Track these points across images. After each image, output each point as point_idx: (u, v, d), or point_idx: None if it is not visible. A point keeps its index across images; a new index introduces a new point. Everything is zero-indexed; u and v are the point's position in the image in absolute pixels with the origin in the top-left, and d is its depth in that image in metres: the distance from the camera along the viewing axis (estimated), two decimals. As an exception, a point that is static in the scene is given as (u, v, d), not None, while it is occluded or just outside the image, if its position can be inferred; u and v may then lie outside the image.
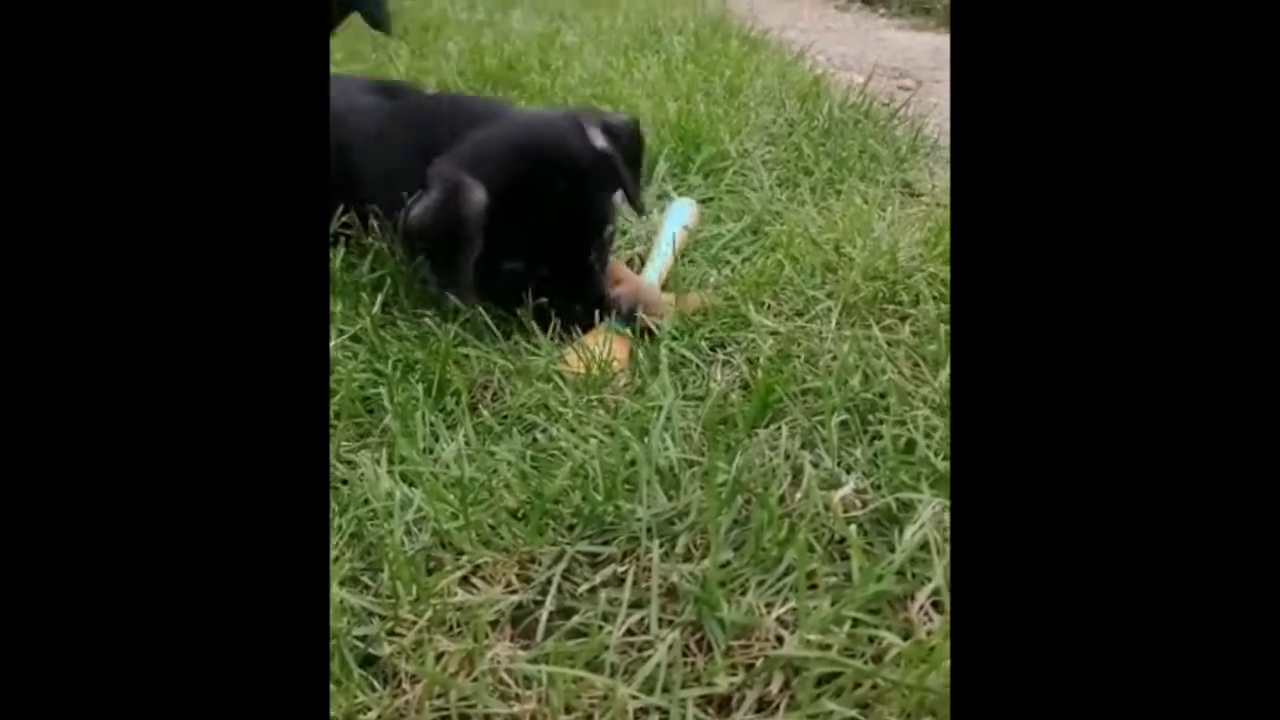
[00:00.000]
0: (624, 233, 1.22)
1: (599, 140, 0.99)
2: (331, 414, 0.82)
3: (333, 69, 2.08)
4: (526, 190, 0.93)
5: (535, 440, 0.80)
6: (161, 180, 0.41)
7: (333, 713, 0.55)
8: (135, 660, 0.37)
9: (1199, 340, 0.40)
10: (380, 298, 0.96)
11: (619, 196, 1.04)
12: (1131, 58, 0.42)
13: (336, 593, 0.61)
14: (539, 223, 0.94)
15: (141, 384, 0.39)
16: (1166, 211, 0.41)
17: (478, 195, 0.91)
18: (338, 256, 1.04)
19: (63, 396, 0.38)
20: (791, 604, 0.61)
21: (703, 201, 1.32)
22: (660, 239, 1.12)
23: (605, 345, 0.89)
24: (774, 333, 0.93)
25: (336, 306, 0.98)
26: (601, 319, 0.96)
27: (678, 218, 1.17)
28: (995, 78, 0.44)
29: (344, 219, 1.04)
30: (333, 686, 0.56)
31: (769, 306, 1.00)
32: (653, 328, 0.94)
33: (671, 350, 0.90)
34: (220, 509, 0.39)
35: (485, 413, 0.83)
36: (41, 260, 0.39)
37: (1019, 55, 0.44)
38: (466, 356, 0.90)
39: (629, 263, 1.15)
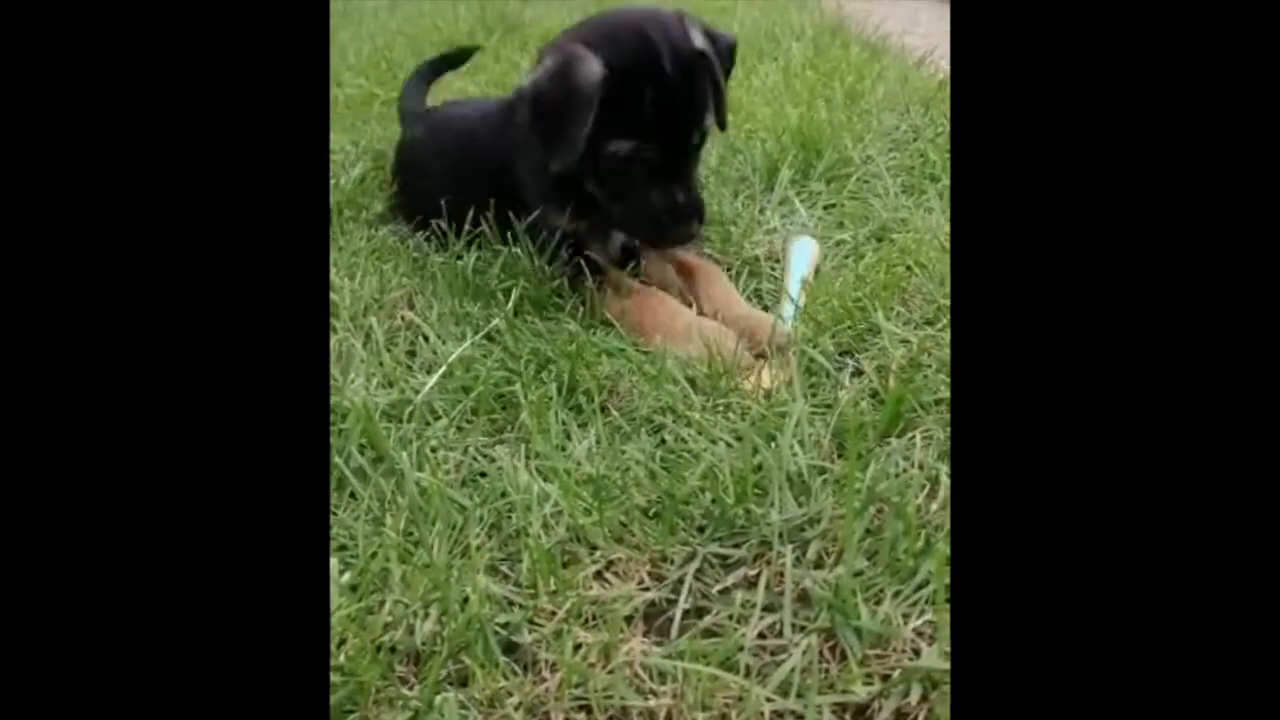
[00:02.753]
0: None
1: (699, 39, 1.01)
2: (468, 410, 0.86)
3: (458, 80, 2.17)
4: (639, 68, 0.96)
5: (664, 441, 0.81)
6: (162, 177, 0.43)
7: (475, 695, 0.57)
8: (137, 658, 0.39)
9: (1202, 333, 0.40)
10: (513, 299, 0.99)
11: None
12: (1136, 61, 0.43)
13: (479, 580, 0.63)
14: (649, 101, 0.96)
15: (143, 380, 0.42)
16: (1167, 213, 0.41)
17: (594, 66, 0.94)
18: (471, 259, 1.08)
19: (64, 397, 0.41)
20: (929, 616, 0.60)
21: (825, 208, 1.31)
22: (789, 282, 1.07)
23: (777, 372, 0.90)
24: (904, 341, 0.91)
25: (471, 307, 1.02)
26: (701, 219, 0.99)
27: (802, 257, 1.12)
28: (997, 79, 0.45)
29: (476, 223, 1.08)
30: (476, 670, 0.58)
31: (898, 314, 0.98)
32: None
33: (804, 353, 0.89)
34: (221, 509, 0.41)
35: (615, 413, 0.84)
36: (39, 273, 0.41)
37: (1020, 55, 0.45)
38: (597, 357, 0.92)
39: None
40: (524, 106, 0.98)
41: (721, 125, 1.05)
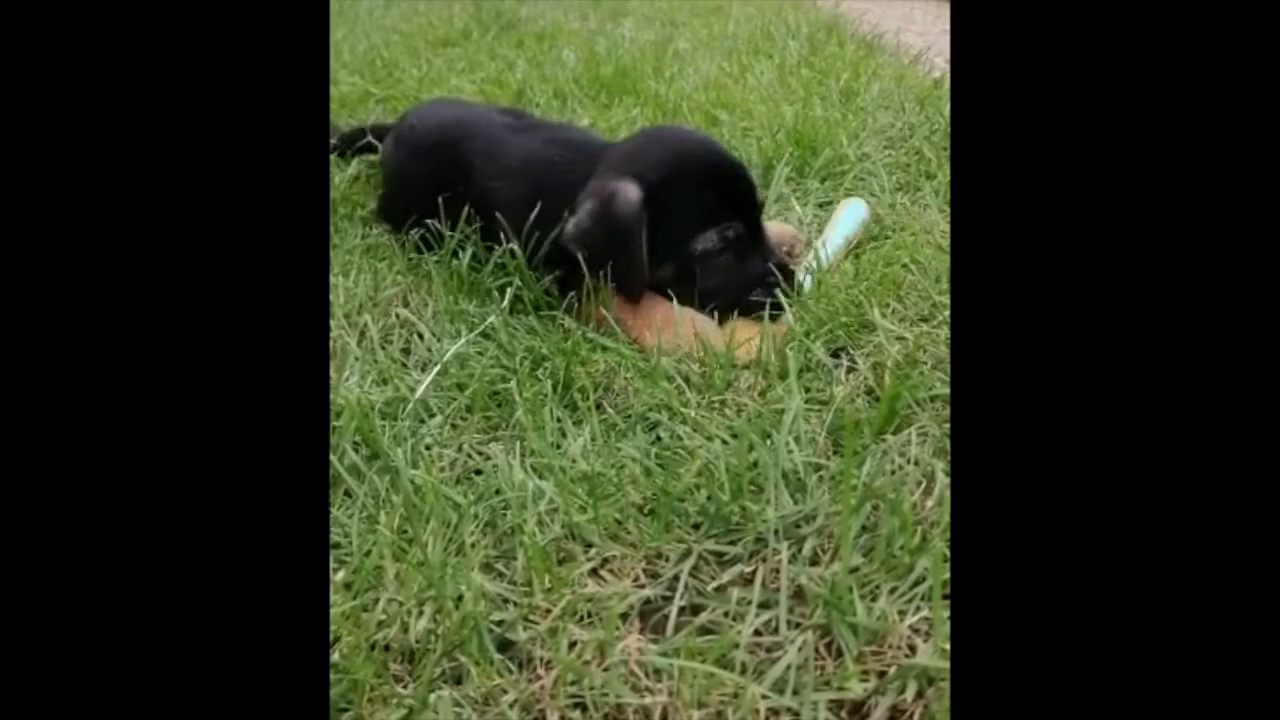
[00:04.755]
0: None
1: None
2: (463, 407, 0.85)
3: (454, 78, 2.16)
4: (688, 168, 0.98)
5: (659, 439, 0.81)
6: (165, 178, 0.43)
7: (470, 693, 0.57)
8: (135, 658, 0.39)
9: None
10: (508, 297, 0.99)
11: None
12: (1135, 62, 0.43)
13: (474, 578, 0.63)
14: (717, 183, 0.99)
15: (144, 381, 0.41)
16: (1166, 210, 0.41)
17: (631, 193, 0.94)
18: (466, 257, 1.08)
19: (64, 394, 0.40)
20: (924, 613, 0.60)
21: (821, 205, 1.31)
22: (835, 228, 1.14)
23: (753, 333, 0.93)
24: (900, 338, 0.91)
25: (467, 304, 1.01)
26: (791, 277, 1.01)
27: (854, 214, 1.17)
28: (997, 75, 0.45)
29: (471, 227, 1.07)
30: (471, 668, 0.58)
31: (894, 310, 0.98)
32: None
33: (804, 347, 0.89)
34: (220, 507, 0.41)
35: (610, 410, 0.84)
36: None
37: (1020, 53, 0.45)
38: (592, 354, 0.92)
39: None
40: (574, 249, 0.96)
41: None
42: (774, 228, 1.11)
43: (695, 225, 0.97)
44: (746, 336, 0.92)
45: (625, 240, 0.94)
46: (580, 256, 0.95)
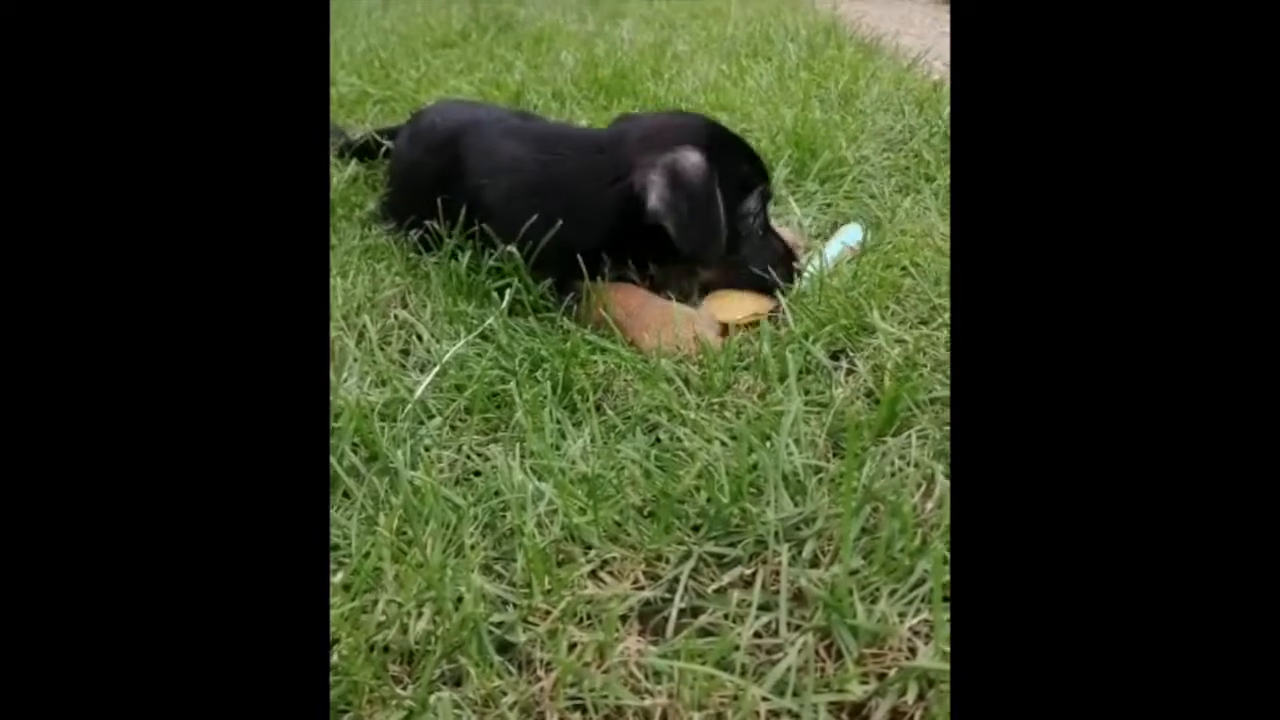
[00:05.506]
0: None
1: None
2: (462, 409, 0.85)
3: (452, 79, 2.16)
4: (723, 136, 1.04)
5: (658, 440, 0.80)
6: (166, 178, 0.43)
7: (470, 695, 0.57)
8: (134, 660, 0.38)
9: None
10: (507, 298, 0.99)
11: None
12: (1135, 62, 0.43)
13: (474, 579, 0.63)
14: (748, 158, 1.04)
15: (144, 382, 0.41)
16: (1166, 213, 0.41)
17: (695, 156, 0.96)
18: (465, 259, 1.08)
19: (65, 396, 0.40)
20: (925, 615, 0.60)
21: (821, 208, 1.31)
22: (830, 244, 1.15)
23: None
24: (899, 340, 0.91)
25: (466, 306, 1.01)
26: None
27: (850, 236, 1.17)
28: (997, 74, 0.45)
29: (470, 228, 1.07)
30: (471, 670, 0.57)
31: (894, 313, 0.98)
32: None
33: (806, 350, 0.89)
34: (220, 509, 0.41)
35: (609, 412, 0.84)
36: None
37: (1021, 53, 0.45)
38: (591, 356, 0.92)
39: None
40: (665, 221, 0.96)
41: None
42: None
43: (741, 189, 1.01)
44: (755, 309, 0.96)
45: (705, 202, 0.95)
46: (670, 228, 0.95)
